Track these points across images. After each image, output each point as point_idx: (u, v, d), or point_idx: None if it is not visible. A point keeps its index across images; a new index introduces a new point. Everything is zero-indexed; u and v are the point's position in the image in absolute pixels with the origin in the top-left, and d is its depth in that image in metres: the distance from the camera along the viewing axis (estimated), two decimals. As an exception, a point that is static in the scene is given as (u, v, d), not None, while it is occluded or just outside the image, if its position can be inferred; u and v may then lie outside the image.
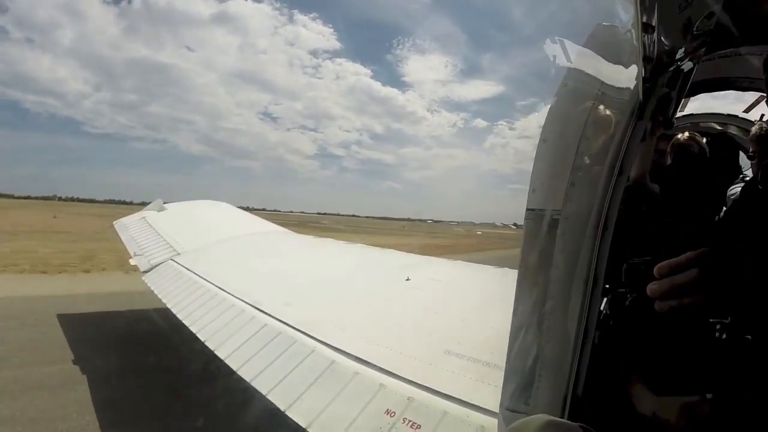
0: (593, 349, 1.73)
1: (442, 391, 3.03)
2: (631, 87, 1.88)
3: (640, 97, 1.84)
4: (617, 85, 1.97)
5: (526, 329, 1.86)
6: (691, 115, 4.40)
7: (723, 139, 3.97)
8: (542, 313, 1.80)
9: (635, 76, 1.79)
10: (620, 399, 1.81)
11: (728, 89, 3.35)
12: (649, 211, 2.96)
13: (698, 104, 4.26)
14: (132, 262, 8.72)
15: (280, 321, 4.47)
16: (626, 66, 1.95)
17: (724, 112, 4.23)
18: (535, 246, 1.87)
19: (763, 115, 3.61)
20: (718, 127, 4.27)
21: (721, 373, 1.25)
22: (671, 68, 1.87)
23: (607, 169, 1.80)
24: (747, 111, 3.97)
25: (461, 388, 3.03)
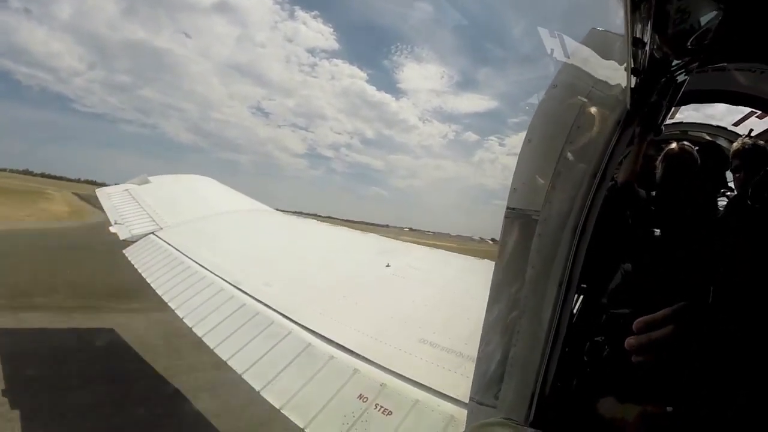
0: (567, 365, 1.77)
1: (415, 379, 3.09)
2: (620, 94, 1.88)
3: (628, 105, 1.85)
4: (606, 92, 1.97)
5: (499, 326, 1.89)
6: (681, 123, 4.42)
7: (712, 149, 3.97)
8: (516, 312, 1.82)
9: (625, 84, 1.80)
10: (583, 401, 1.85)
11: (719, 102, 3.36)
12: (634, 215, 3.01)
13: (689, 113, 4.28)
14: (112, 230, 8.58)
15: (259, 301, 4.48)
16: (617, 73, 1.96)
17: (714, 123, 4.26)
18: (513, 245, 1.90)
19: (751, 131, 3.64)
20: (707, 137, 4.30)
21: (681, 386, 1.29)
22: (663, 79, 1.88)
23: (589, 174, 1.81)
24: (736, 125, 3.99)
25: (434, 377, 3.08)
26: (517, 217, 1.89)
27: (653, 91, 1.93)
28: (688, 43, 1.48)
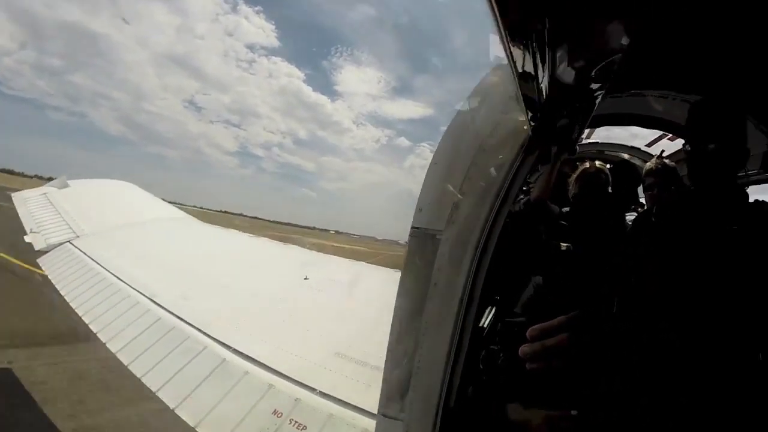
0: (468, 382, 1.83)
1: (329, 393, 3.09)
2: (523, 122, 1.99)
3: (530, 132, 1.96)
4: (510, 119, 2.08)
5: (403, 340, 1.94)
6: (597, 143, 4.69)
7: (625, 167, 4.22)
8: (419, 327, 1.88)
9: (526, 112, 1.89)
10: (489, 409, 1.92)
11: (633, 125, 3.58)
12: (546, 230, 3.17)
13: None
14: (27, 239, 8.08)
15: (175, 315, 4.33)
16: (519, 101, 2.06)
17: (628, 143, 4.56)
18: (417, 263, 1.96)
19: (663, 151, 3.92)
20: (622, 156, 4.58)
21: (580, 392, 1.35)
22: (567, 106, 1.98)
23: (491, 196, 1.91)
24: (649, 146, 4.29)
25: (349, 391, 3.11)
26: (422, 236, 1.95)
27: (557, 117, 2.05)
28: (592, 73, 1.56)
